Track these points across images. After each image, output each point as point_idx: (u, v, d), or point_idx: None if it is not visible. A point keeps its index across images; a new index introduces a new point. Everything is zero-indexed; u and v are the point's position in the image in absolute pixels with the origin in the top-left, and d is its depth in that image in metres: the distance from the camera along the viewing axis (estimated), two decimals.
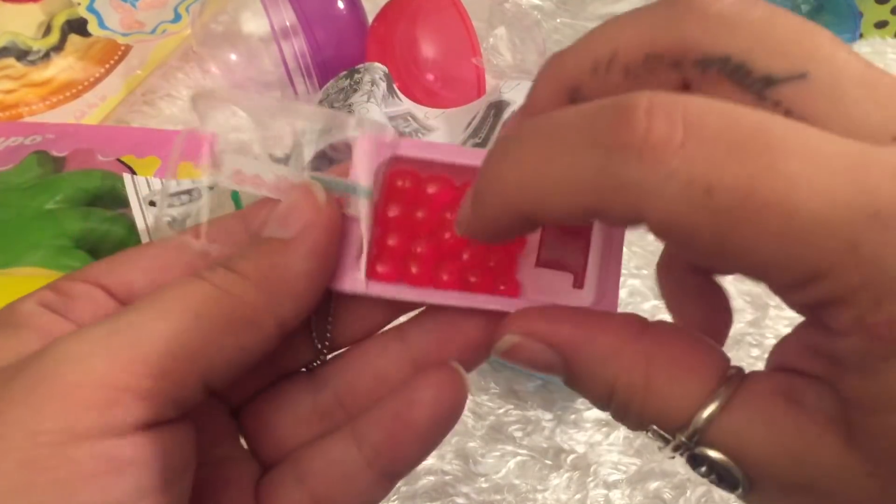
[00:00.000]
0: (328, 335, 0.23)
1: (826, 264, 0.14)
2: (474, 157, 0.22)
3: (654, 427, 0.18)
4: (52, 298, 0.20)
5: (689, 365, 0.17)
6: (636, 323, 0.19)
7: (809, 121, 0.15)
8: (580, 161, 0.15)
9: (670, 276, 0.22)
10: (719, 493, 0.40)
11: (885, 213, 0.13)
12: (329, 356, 0.23)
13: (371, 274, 0.21)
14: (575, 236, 0.22)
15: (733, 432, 0.17)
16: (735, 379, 0.17)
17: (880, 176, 0.14)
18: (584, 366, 0.18)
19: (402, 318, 0.23)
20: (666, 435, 0.18)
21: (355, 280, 0.21)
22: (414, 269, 0.22)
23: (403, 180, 0.22)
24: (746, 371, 0.18)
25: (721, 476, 0.17)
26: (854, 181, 0.14)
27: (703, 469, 0.17)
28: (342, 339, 0.23)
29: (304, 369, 0.24)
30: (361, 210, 0.21)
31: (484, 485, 0.40)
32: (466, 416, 0.41)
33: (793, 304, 0.16)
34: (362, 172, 0.21)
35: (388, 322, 0.23)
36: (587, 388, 0.19)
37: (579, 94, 0.18)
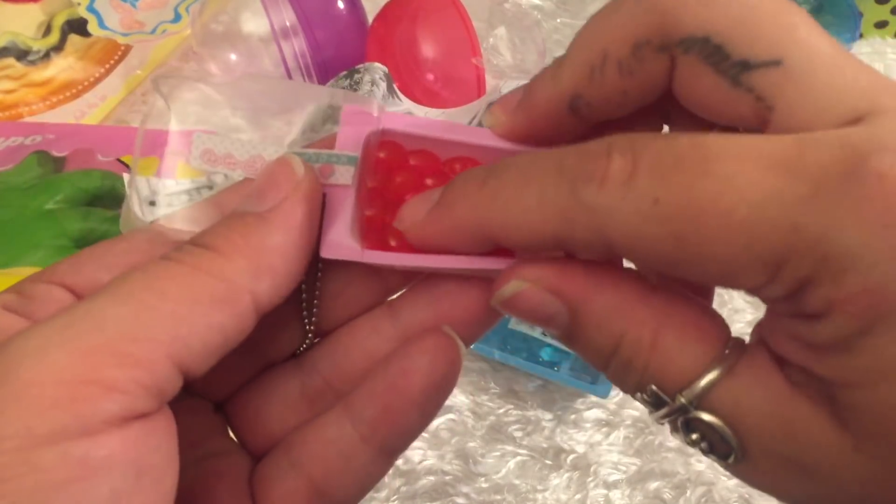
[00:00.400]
0: (314, 317, 0.22)
1: (778, 254, 0.14)
2: (462, 133, 0.22)
3: (653, 387, 0.18)
4: (14, 301, 0.19)
5: (697, 329, 0.18)
6: (646, 282, 0.18)
7: (778, 108, 0.16)
8: (550, 189, 0.17)
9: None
10: (719, 494, 0.40)
11: (822, 190, 0.14)
12: (317, 339, 0.22)
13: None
14: None
15: (733, 398, 0.17)
16: (739, 347, 0.17)
17: (816, 154, 0.14)
18: (591, 317, 0.18)
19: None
20: (663, 397, 0.18)
21: (346, 248, 0.20)
22: (392, 243, 0.21)
23: (386, 152, 0.22)
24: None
25: (712, 445, 0.17)
26: (789, 169, 0.14)
27: (695, 436, 0.17)
28: (330, 321, 0.22)
29: (292, 356, 0.23)
30: (350, 178, 0.20)
31: (484, 485, 0.40)
32: (466, 417, 0.41)
33: (776, 305, 0.16)
34: (349, 143, 0.20)
35: (378, 302, 0.22)
36: (590, 341, 0.18)
37: (581, 100, 0.19)
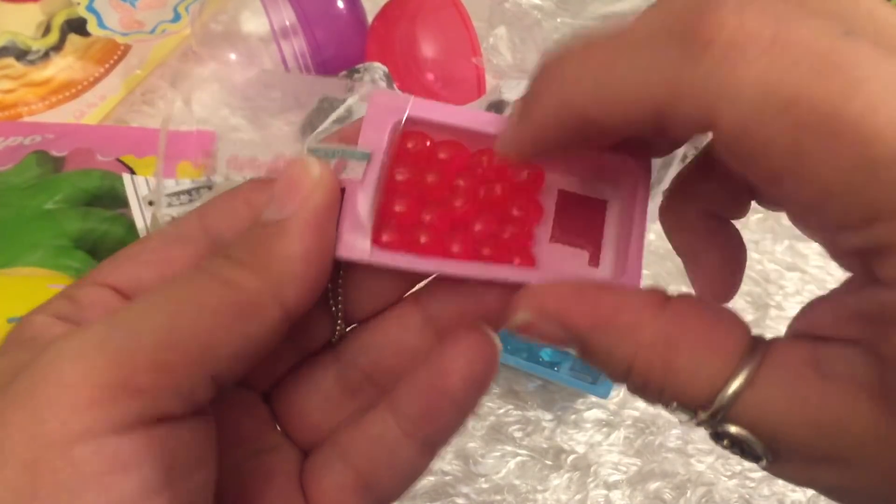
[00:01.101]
0: (340, 309, 0.22)
1: (889, 205, 0.13)
2: (493, 123, 0.21)
3: (675, 403, 0.17)
4: (65, 307, 0.20)
5: (711, 342, 0.17)
6: (656, 298, 0.18)
7: None
8: (655, 52, 0.14)
9: (679, 221, 0.21)
10: (719, 494, 0.40)
11: None
12: (348, 329, 0.23)
13: (377, 242, 0.21)
14: (591, 211, 0.22)
15: (758, 408, 0.16)
16: (758, 350, 0.17)
17: None
18: (599, 344, 0.18)
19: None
20: (688, 412, 0.17)
21: (358, 248, 0.20)
22: (423, 239, 0.21)
23: (414, 142, 0.21)
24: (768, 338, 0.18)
25: (744, 449, 0.17)
26: None
27: (726, 442, 0.17)
28: (358, 312, 0.22)
29: (327, 345, 0.23)
30: (361, 173, 0.20)
31: (484, 485, 0.39)
32: None
33: (841, 250, 0.15)
34: (373, 131, 0.20)
35: (404, 292, 0.23)
36: (602, 365, 0.18)
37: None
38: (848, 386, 0.16)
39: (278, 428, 0.23)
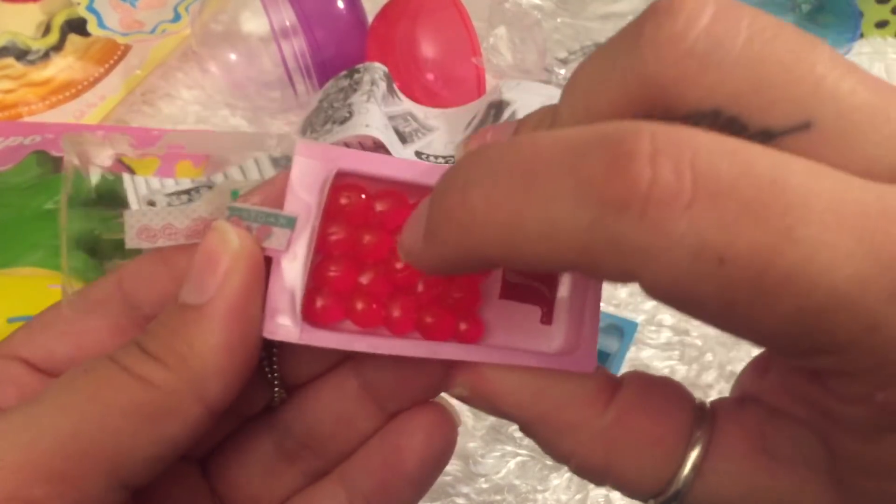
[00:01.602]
0: (277, 376, 0.21)
1: (841, 342, 0.12)
2: (432, 174, 0.19)
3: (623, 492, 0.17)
4: None
5: (655, 439, 0.17)
6: (602, 391, 0.17)
7: None
8: (566, 212, 0.13)
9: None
10: None
11: None
12: (285, 394, 0.21)
13: (309, 312, 0.19)
14: None
15: (708, 496, 0.16)
16: (704, 430, 0.17)
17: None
18: (538, 434, 0.18)
19: None
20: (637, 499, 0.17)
21: (284, 330, 0.18)
22: (360, 306, 0.19)
23: (347, 196, 0.19)
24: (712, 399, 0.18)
25: None
26: (873, 251, 0.12)
27: None
28: (295, 377, 0.21)
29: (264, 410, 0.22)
30: (285, 243, 0.18)
31: (484, 485, 0.39)
32: (466, 417, 0.41)
33: (792, 365, 0.15)
34: (301, 192, 0.18)
35: (343, 356, 0.21)
36: (542, 447, 0.18)
37: None
38: (797, 468, 0.16)
39: (216, 500, 0.22)
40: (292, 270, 0.18)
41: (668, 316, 0.44)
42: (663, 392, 0.18)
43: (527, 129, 0.17)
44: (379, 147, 0.43)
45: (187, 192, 0.40)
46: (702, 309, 0.13)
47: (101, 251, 0.42)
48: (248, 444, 0.21)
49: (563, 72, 0.51)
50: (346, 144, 0.44)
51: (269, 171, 0.43)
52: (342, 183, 0.19)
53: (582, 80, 0.15)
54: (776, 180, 0.12)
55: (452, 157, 0.46)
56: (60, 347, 0.19)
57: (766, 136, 0.13)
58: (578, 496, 0.39)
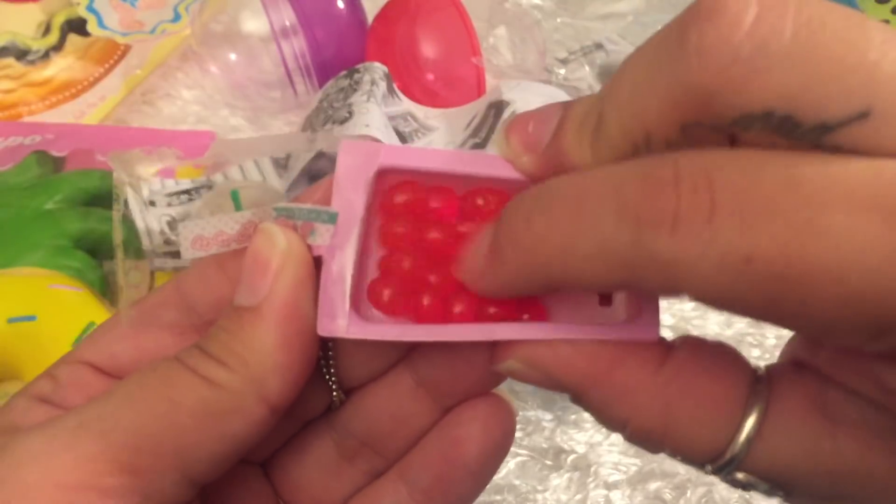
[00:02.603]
0: (335, 378, 0.21)
1: (890, 322, 0.12)
2: (471, 163, 0.19)
3: (679, 457, 0.17)
4: (46, 387, 0.19)
5: (713, 399, 0.16)
6: (656, 353, 0.17)
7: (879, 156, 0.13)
8: (610, 233, 0.14)
9: None
10: (720, 494, 0.40)
11: None
12: (345, 396, 0.21)
13: (376, 302, 0.19)
14: None
15: (767, 460, 0.16)
16: (761, 394, 0.16)
17: None
18: (592, 401, 0.17)
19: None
20: (693, 464, 0.17)
21: (335, 325, 0.18)
22: (426, 301, 0.19)
23: (404, 194, 0.19)
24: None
25: (754, 488, 0.17)
26: None
27: (737, 483, 0.17)
28: (353, 376, 0.21)
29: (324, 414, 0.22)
30: (328, 238, 0.18)
31: None
32: None
33: (866, 353, 0.15)
34: (347, 189, 0.19)
35: (402, 355, 0.21)
36: (596, 417, 0.18)
37: None
38: (861, 433, 0.15)
39: (280, 501, 0.22)
40: (339, 267, 0.18)
41: (668, 316, 0.44)
42: (718, 354, 0.17)
43: (571, 127, 0.17)
44: None
45: (187, 192, 0.40)
46: (750, 309, 0.14)
47: (101, 251, 0.42)
48: (308, 445, 0.22)
49: (563, 72, 0.51)
50: None
51: (270, 172, 0.43)
52: (399, 181, 0.19)
53: (627, 84, 0.15)
54: (791, 178, 0.13)
55: None
56: (123, 351, 0.20)
57: (822, 131, 0.13)
58: (578, 496, 0.39)
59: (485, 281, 0.18)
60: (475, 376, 0.20)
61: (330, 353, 0.20)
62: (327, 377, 0.21)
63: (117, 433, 0.16)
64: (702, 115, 0.14)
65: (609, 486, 0.40)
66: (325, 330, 0.18)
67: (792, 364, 0.18)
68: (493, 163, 0.19)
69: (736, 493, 0.40)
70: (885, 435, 0.15)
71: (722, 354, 0.18)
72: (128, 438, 0.16)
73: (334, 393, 0.21)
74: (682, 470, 0.40)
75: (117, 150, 0.20)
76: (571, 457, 0.41)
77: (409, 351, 0.21)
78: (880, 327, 0.13)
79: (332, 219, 0.18)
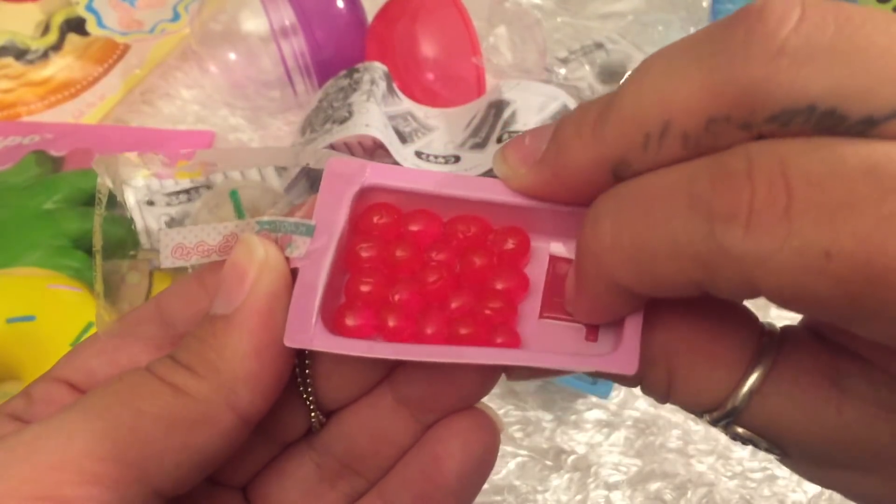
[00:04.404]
0: (312, 399, 0.20)
1: None
2: (465, 187, 0.19)
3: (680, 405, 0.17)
4: (20, 405, 0.19)
5: (715, 352, 0.17)
6: (661, 306, 0.17)
7: None
8: (682, 229, 0.14)
9: None
10: (720, 494, 0.40)
11: None
12: (324, 417, 0.21)
13: (340, 328, 0.19)
14: None
15: (767, 416, 0.16)
16: (769, 351, 0.16)
17: None
18: None
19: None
20: (694, 413, 0.17)
21: (302, 335, 0.18)
22: (391, 322, 0.19)
23: (381, 215, 0.19)
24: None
25: (755, 444, 0.17)
26: None
27: (734, 436, 0.17)
28: (333, 400, 0.21)
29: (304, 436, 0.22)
30: (304, 250, 0.18)
31: (484, 485, 0.39)
32: None
33: None
34: (330, 205, 0.18)
35: (381, 376, 0.21)
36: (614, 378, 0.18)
37: (627, 167, 0.16)
38: (868, 407, 0.15)
39: None
40: (311, 279, 0.18)
41: None
42: (725, 310, 0.17)
43: (569, 125, 0.17)
44: (379, 147, 0.43)
45: (186, 192, 0.40)
46: (828, 309, 0.13)
47: (101, 251, 0.41)
48: (288, 468, 0.21)
49: (563, 71, 0.51)
50: (346, 144, 0.44)
51: (270, 173, 0.43)
52: (377, 202, 0.19)
53: (654, 70, 0.15)
54: (870, 169, 0.12)
55: (454, 156, 0.46)
56: (99, 367, 0.19)
57: (867, 124, 0.13)
58: (578, 496, 0.39)
59: (576, 305, 0.18)
60: (456, 392, 0.20)
61: (308, 372, 0.20)
62: (306, 398, 0.20)
63: (78, 442, 0.16)
64: (737, 109, 0.14)
65: (609, 487, 0.40)
66: (291, 340, 0.18)
67: (811, 329, 0.17)
68: (485, 186, 0.18)
69: (736, 494, 0.40)
70: (894, 410, 0.15)
71: (730, 310, 0.17)
72: (89, 447, 0.16)
73: (312, 414, 0.21)
74: (682, 470, 0.40)
75: (102, 155, 0.20)
76: (572, 457, 0.40)
77: (389, 370, 0.20)
78: None
79: (310, 231, 0.18)
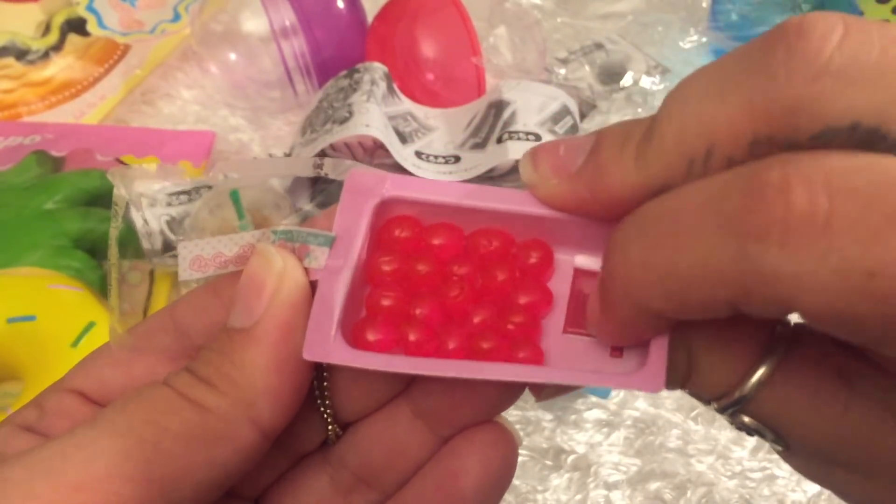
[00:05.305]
0: (329, 411, 0.20)
1: None
2: (488, 198, 0.18)
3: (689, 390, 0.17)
4: (32, 416, 0.19)
5: (727, 339, 0.16)
6: None
7: None
8: (712, 250, 0.13)
9: None
10: (720, 494, 0.40)
11: None
12: (341, 429, 0.21)
13: (358, 341, 0.18)
14: None
15: (774, 408, 0.16)
16: (780, 345, 0.16)
17: None
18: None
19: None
20: (701, 399, 0.17)
21: (322, 349, 0.18)
22: (412, 336, 0.18)
23: (402, 229, 0.19)
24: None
25: (761, 435, 0.17)
26: None
27: (745, 429, 0.17)
28: (350, 410, 0.20)
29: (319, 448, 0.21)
30: (322, 261, 0.18)
31: None
32: None
33: None
34: (350, 216, 0.18)
35: (399, 388, 0.20)
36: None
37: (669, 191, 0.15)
38: (871, 407, 0.15)
39: None
40: (331, 292, 0.18)
41: None
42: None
43: (610, 144, 0.16)
44: (379, 147, 0.43)
45: (187, 192, 0.40)
46: (866, 332, 0.13)
47: (101, 251, 0.42)
48: (303, 480, 0.21)
49: (563, 71, 0.51)
50: (347, 144, 0.44)
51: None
52: (398, 215, 0.19)
53: (694, 93, 0.15)
54: None
55: (454, 156, 0.46)
56: (113, 377, 0.19)
57: None
58: (578, 496, 0.39)
59: (601, 328, 0.17)
60: (475, 406, 0.19)
61: (326, 384, 0.20)
62: (323, 410, 0.20)
63: (100, 462, 0.15)
64: (780, 129, 0.13)
65: (609, 487, 0.40)
66: (310, 354, 0.18)
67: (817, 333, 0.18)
68: (507, 197, 0.18)
69: (736, 494, 0.40)
70: None
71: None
72: (113, 467, 0.15)
73: (329, 427, 0.20)
74: (682, 470, 0.40)
75: (119, 168, 0.19)
76: (571, 457, 0.40)
77: (407, 383, 0.20)
78: None
79: (328, 242, 0.18)
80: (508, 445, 0.19)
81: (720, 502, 0.40)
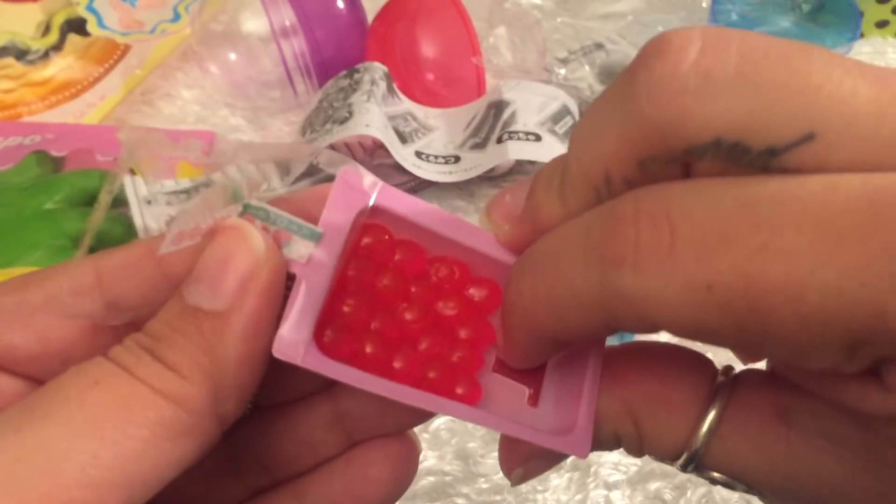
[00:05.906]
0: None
1: (857, 338, 0.12)
2: (462, 232, 0.19)
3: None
4: None
5: (670, 398, 0.17)
6: (615, 360, 0.18)
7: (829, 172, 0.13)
8: (582, 278, 0.15)
9: None
10: (720, 495, 0.40)
11: None
12: (249, 414, 0.19)
13: (317, 340, 0.17)
14: None
15: (727, 458, 0.17)
16: (722, 393, 0.17)
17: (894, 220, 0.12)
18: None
19: None
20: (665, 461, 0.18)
21: (297, 351, 0.16)
22: (369, 348, 0.18)
23: (371, 237, 0.19)
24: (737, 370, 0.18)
25: (732, 487, 0.17)
26: (866, 239, 0.12)
27: (717, 482, 0.18)
28: (269, 398, 0.20)
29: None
30: (306, 255, 0.17)
31: (484, 485, 0.39)
32: None
33: (847, 376, 0.15)
34: (338, 212, 0.17)
35: (325, 385, 0.20)
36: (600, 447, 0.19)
37: None
38: (814, 440, 0.16)
39: None
40: (312, 290, 0.17)
41: None
42: (676, 356, 0.18)
43: (540, 185, 0.17)
44: (379, 147, 0.43)
45: (186, 191, 0.40)
46: (720, 337, 0.14)
47: (100, 250, 0.41)
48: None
49: (563, 71, 0.51)
50: (347, 144, 0.44)
51: (271, 172, 0.43)
52: (371, 222, 0.18)
53: (586, 129, 0.16)
54: (746, 203, 0.13)
55: (454, 156, 0.46)
56: (24, 343, 0.17)
57: (770, 155, 0.13)
58: (578, 496, 0.39)
59: (508, 353, 0.19)
60: (396, 420, 0.20)
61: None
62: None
63: (65, 467, 0.14)
64: (655, 149, 0.14)
65: (609, 487, 0.40)
66: (281, 353, 0.16)
67: (766, 372, 0.18)
68: (480, 238, 0.19)
69: (736, 494, 0.40)
70: (841, 440, 0.15)
71: (681, 358, 0.18)
72: (77, 473, 0.14)
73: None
74: None
75: (130, 128, 0.17)
76: (571, 457, 0.41)
77: (331, 383, 0.20)
78: (849, 343, 0.13)
79: (315, 237, 0.17)
80: (414, 457, 0.20)
81: (720, 502, 0.40)
